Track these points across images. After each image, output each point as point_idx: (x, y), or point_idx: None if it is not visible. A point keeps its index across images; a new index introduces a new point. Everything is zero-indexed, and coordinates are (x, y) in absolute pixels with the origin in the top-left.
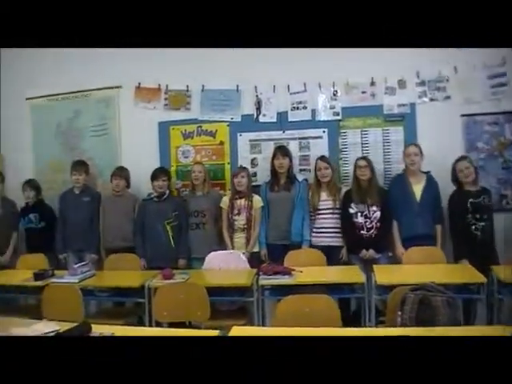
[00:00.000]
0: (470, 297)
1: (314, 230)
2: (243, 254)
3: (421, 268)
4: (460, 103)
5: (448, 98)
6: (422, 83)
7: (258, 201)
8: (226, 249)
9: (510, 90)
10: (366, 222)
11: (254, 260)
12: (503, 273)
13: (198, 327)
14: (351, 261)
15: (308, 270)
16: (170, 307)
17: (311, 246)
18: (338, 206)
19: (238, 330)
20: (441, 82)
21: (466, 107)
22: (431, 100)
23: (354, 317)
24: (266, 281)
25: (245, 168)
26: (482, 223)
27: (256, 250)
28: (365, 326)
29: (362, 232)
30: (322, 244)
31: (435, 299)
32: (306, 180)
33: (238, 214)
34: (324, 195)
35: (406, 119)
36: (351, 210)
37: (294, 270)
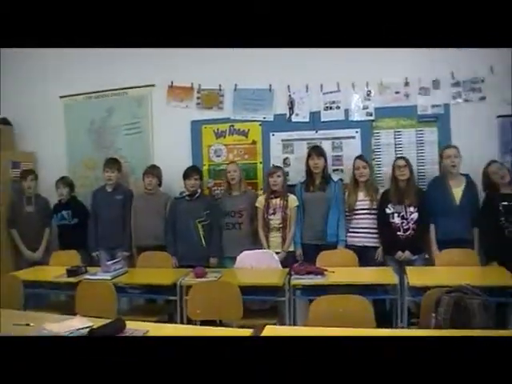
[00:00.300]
0: (506, 300)
1: (350, 229)
2: (278, 253)
3: (454, 270)
4: (496, 104)
5: (483, 98)
6: (457, 84)
7: (293, 200)
8: (260, 248)
9: None
10: (402, 222)
11: (289, 259)
12: None
13: (229, 325)
14: (386, 262)
15: (340, 270)
16: (204, 305)
17: (347, 246)
18: (374, 207)
19: (270, 330)
20: (476, 83)
21: (501, 108)
22: (466, 101)
23: (386, 318)
24: (298, 281)
25: (280, 167)
26: None
27: (291, 249)
28: (396, 328)
29: (398, 233)
30: (358, 244)
31: (471, 302)
32: (341, 180)
33: (274, 213)
34: (361, 195)
35: (440, 120)
36: (388, 211)
37: (326, 270)
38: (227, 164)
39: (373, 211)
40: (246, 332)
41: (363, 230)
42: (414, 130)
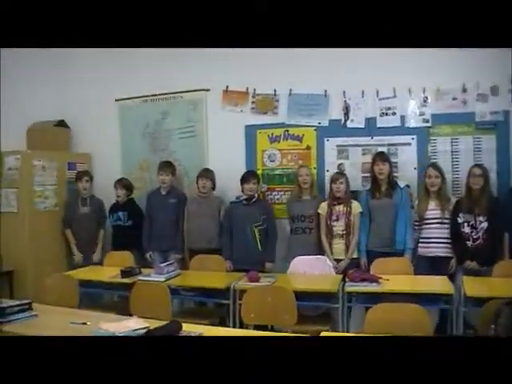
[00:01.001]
0: None
1: (421, 239)
2: (341, 260)
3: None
4: None
5: None
6: None
7: (356, 206)
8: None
9: None
10: (472, 232)
11: (352, 267)
12: None
13: (281, 331)
14: (457, 272)
15: (395, 278)
16: (258, 310)
17: (418, 256)
18: (446, 216)
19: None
20: None
21: None
22: None
23: (440, 328)
24: (352, 288)
25: (343, 174)
26: None
27: (355, 256)
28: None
29: (467, 242)
30: (429, 255)
31: None
32: (407, 186)
33: (337, 219)
34: (432, 204)
35: (499, 127)
36: (459, 220)
37: (381, 277)
38: (300, 167)
39: (444, 221)
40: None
41: (434, 240)
42: (471, 137)
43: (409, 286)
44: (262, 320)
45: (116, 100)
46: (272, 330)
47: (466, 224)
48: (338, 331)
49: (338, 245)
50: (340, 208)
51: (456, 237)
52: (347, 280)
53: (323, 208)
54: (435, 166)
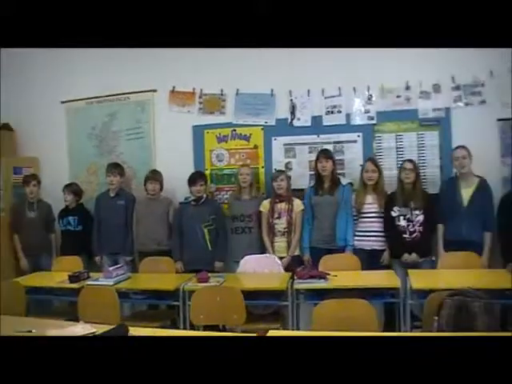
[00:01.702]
0: (509, 302)
1: (358, 233)
2: (283, 258)
3: (457, 273)
4: (496, 107)
5: (483, 102)
6: (458, 88)
7: (298, 204)
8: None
9: None
10: (408, 225)
11: (295, 264)
12: None
13: (232, 330)
14: (393, 265)
15: (343, 274)
16: (207, 310)
17: (355, 249)
18: (382, 210)
19: (274, 334)
20: (476, 87)
21: (502, 111)
22: (466, 104)
23: (388, 321)
24: (300, 285)
25: (283, 171)
26: None
27: (297, 253)
28: (399, 331)
29: (404, 236)
30: (366, 248)
31: (473, 305)
32: (350, 184)
33: (279, 217)
34: (370, 198)
35: (442, 124)
36: (393, 213)
37: (328, 274)
38: (241, 167)
39: (381, 214)
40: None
41: (372, 234)
42: (415, 133)
43: (356, 282)
44: (211, 320)
45: (62, 102)
46: (224, 329)
47: (401, 217)
48: (289, 329)
49: (280, 243)
50: (282, 206)
51: (391, 230)
52: (296, 277)
53: (265, 206)
54: (372, 160)
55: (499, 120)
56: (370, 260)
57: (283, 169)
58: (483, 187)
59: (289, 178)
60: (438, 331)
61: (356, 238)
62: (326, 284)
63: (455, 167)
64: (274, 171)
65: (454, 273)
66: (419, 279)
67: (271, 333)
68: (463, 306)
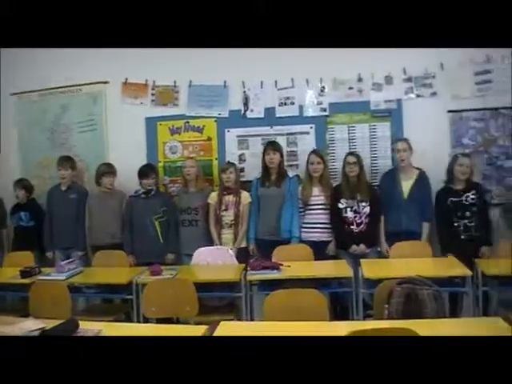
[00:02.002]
0: (456, 290)
1: (304, 225)
2: (230, 249)
3: (407, 262)
4: (446, 99)
5: (434, 94)
6: (409, 79)
7: (246, 196)
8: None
9: (495, 87)
10: (355, 217)
11: (241, 256)
12: (487, 266)
13: (186, 323)
14: (339, 256)
15: (296, 264)
16: (159, 303)
17: (302, 241)
18: (329, 202)
19: (226, 326)
20: (427, 79)
21: (452, 103)
22: (418, 96)
23: (342, 311)
24: (254, 276)
25: (233, 164)
26: (465, 221)
27: (244, 245)
28: (352, 320)
29: (351, 227)
30: (313, 239)
31: (421, 292)
32: (297, 176)
33: (226, 209)
34: (316, 190)
35: (393, 115)
36: (341, 206)
37: (281, 264)
38: (185, 160)
39: (327, 206)
40: (201, 329)
41: (318, 226)
42: (367, 124)
43: (309, 272)
44: (163, 313)
45: (12, 94)
46: (178, 322)
47: (348, 209)
48: (243, 320)
49: (227, 235)
50: (229, 198)
51: (338, 222)
52: (249, 269)
53: (213, 198)
54: (316, 153)
55: (449, 111)
56: (316, 251)
57: (236, 161)
58: (422, 179)
59: (238, 170)
60: (388, 319)
61: (303, 229)
62: (279, 275)
63: (396, 160)
64: (226, 163)
65: (404, 262)
66: (370, 269)
67: (223, 324)
68: (412, 294)
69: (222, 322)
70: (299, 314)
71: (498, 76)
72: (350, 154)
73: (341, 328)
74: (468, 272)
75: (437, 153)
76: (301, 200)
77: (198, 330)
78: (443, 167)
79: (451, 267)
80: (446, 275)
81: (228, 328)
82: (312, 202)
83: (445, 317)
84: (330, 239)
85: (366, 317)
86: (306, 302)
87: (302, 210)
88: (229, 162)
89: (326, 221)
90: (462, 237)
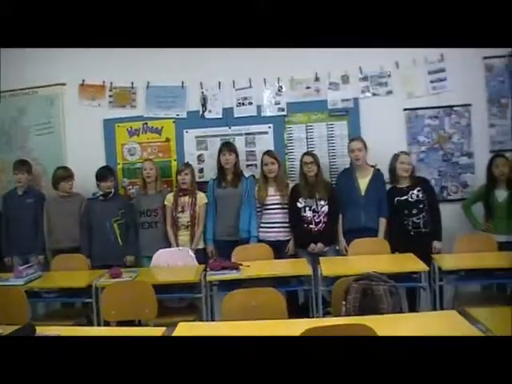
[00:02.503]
0: (413, 285)
1: (262, 225)
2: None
3: (365, 259)
4: (402, 98)
5: (390, 92)
6: (365, 78)
7: (202, 197)
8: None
9: (449, 85)
10: (314, 216)
11: (199, 257)
12: (443, 261)
13: (148, 325)
14: (298, 255)
15: (256, 264)
16: (118, 306)
17: (260, 241)
18: (285, 201)
19: (184, 327)
20: (383, 78)
21: (407, 101)
22: (374, 95)
23: (303, 309)
24: (213, 276)
25: (189, 165)
26: (413, 218)
27: (201, 246)
28: (313, 317)
29: (310, 226)
30: (270, 239)
31: (378, 288)
32: (253, 176)
33: (182, 211)
34: (271, 190)
35: (350, 114)
36: (299, 205)
37: (241, 264)
38: (143, 162)
39: (284, 206)
40: (160, 330)
41: (276, 225)
42: (325, 123)
43: (269, 271)
44: (123, 316)
45: None
46: (139, 324)
47: (307, 208)
48: (203, 320)
49: (184, 236)
50: (185, 199)
51: (297, 221)
52: (208, 269)
53: (169, 199)
54: (270, 153)
55: (405, 110)
56: (275, 251)
57: (195, 161)
58: (377, 176)
59: (193, 171)
60: (345, 315)
61: (260, 229)
62: (239, 274)
63: (350, 159)
64: (182, 164)
65: (362, 259)
66: (329, 266)
67: (181, 325)
68: (368, 290)
69: (180, 323)
70: (257, 313)
71: (451, 74)
72: (307, 153)
73: (298, 326)
74: (424, 267)
75: (393, 150)
76: (257, 200)
77: (157, 332)
78: None
79: (408, 263)
80: (403, 271)
81: (186, 329)
82: (268, 202)
83: (401, 312)
84: (287, 238)
85: (326, 314)
86: (263, 301)
87: (259, 210)
88: (185, 163)
89: (283, 220)
90: (412, 233)
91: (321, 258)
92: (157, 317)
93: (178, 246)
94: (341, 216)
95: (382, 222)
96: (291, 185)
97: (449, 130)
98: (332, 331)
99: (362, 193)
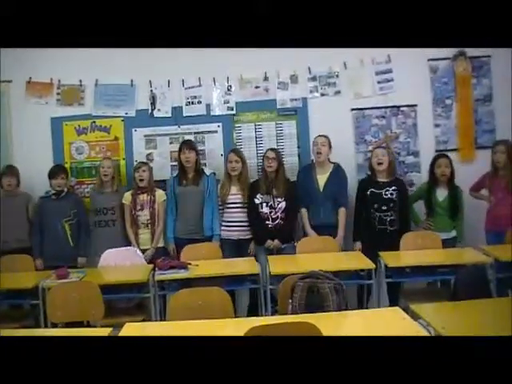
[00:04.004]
0: (360, 282)
1: (224, 223)
2: (147, 250)
3: (313, 257)
4: (350, 98)
5: (338, 92)
6: (314, 78)
7: (160, 195)
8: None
9: (396, 86)
10: (271, 212)
11: (160, 255)
12: (390, 259)
13: (95, 326)
14: (257, 252)
15: (205, 263)
16: (64, 307)
17: (222, 239)
18: (247, 201)
19: (130, 327)
20: (331, 78)
21: (355, 102)
22: (322, 95)
23: (253, 307)
24: (161, 276)
25: (146, 162)
26: (381, 214)
27: (162, 244)
28: (262, 315)
29: (267, 222)
30: (232, 238)
31: (323, 286)
32: (214, 173)
33: (141, 209)
34: (234, 189)
35: (299, 113)
36: (257, 201)
37: (189, 263)
38: (101, 160)
39: (246, 205)
40: (106, 331)
41: (237, 224)
42: (273, 123)
43: (217, 270)
44: (69, 317)
45: None
46: (88, 325)
47: (264, 204)
48: (152, 320)
49: (144, 234)
50: (144, 197)
51: (255, 218)
52: (156, 269)
53: (127, 198)
54: (236, 151)
55: (353, 110)
56: (237, 250)
57: (144, 160)
58: (337, 171)
59: (151, 169)
60: (292, 313)
61: (222, 228)
62: (187, 274)
63: (313, 155)
64: (135, 162)
65: (310, 256)
66: (278, 265)
67: (128, 325)
68: (314, 288)
69: (127, 324)
70: (204, 312)
71: (398, 75)
72: (270, 149)
73: (243, 325)
74: (371, 265)
75: (342, 149)
76: (219, 198)
77: (103, 333)
78: (348, 163)
79: (355, 261)
80: (350, 268)
81: (133, 329)
82: (230, 201)
83: (347, 309)
84: (249, 237)
85: (275, 312)
86: (209, 300)
87: (220, 208)
88: (142, 161)
89: (245, 219)
90: (377, 229)
91: (269, 257)
92: (105, 317)
93: (138, 244)
94: (305, 211)
95: (342, 211)
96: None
97: (395, 129)
98: (276, 329)
99: (321, 189)
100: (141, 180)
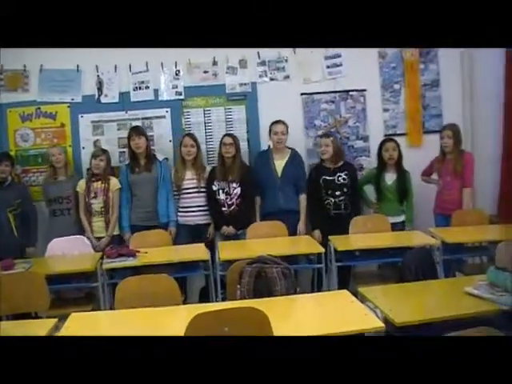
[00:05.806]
0: (308, 266)
1: (180, 209)
2: (101, 238)
3: (263, 242)
4: (299, 82)
5: (287, 77)
6: (263, 63)
7: (114, 183)
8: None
9: (344, 71)
10: (226, 198)
11: (115, 243)
12: (339, 242)
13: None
14: (216, 238)
15: (154, 250)
16: (9, 299)
17: (179, 225)
18: (203, 185)
19: (76, 317)
20: (280, 62)
21: (304, 86)
22: (271, 79)
23: (205, 291)
24: (109, 264)
25: (105, 150)
26: (335, 199)
27: (117, 232)
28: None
29: (223, 209)
30: (189, 223)
31: (271, 271)
32: (166, 159)
33: (95, 197)
34: (189, 174)
35: (248, 98)
36: (214, 188)
37: (138, 251)
38: (49, 148)
39: (201, 189)
40: (51, 322)
41: (194, 209)
42: (223, 108)
43: (166, 257)
44: (15, 309)
45: None
46: (36, 317)
47: (220, 191)
48: (101, 310)
49: (98, 222)
50: (98, 185)
51: (212, 204)
52: (105, 257)
53: (81, 186)
54: (191, 136)
55: (302, 94)
56: (195, 235)
57: (91, 147)
58: (295, 156)
59: (109, 157)
60: (240, 299)
61: (179, 213)
62: (135, 261)
63: (272, 141)
64: (87, 150)
65: (260, 242)
66: (227, 250)
67: (73, 316)
68: (262, 273)
69: (72, 314)
70: (151, 300)
71: (347, 60)
72: (227, 135)
73: (190, 311)
74: (321, 249)
75: (292, 134)
76: (174, 184)
77: (48, 324)
78: (298, 148)
79: (305, 245)
80: (299, 253)
81: (78, 319)
82: (186, 186)
83: (295, 293)
84: (207, 222)
85: (225, 298)
86: (157, 288)
87: (176, 194)
88: (101, 148)
89: (202, 203)
90: (332, 214)
91: (219, 243)
92: (53, 308)
93: (92, 232)
94: (259, 199)
95: (303, 198)
96: (209, 168)
97: (344, 114)
98: (222, 316)
99: (279, 174)
100: (97, 168)
